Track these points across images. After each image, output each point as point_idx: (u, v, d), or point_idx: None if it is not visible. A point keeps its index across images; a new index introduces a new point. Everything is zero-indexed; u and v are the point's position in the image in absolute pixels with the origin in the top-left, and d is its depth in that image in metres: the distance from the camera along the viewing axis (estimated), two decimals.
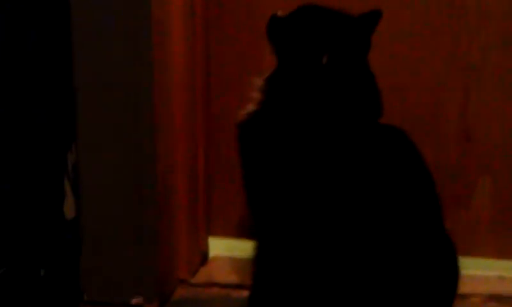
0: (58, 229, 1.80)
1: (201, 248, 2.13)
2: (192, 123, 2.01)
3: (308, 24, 1.56)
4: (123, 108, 1.78)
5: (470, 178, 2.00)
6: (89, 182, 1.82)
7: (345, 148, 1.50)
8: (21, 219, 1.74)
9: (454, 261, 1.57)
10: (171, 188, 1.90)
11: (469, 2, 1.92)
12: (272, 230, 1.55)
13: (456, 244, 1.58)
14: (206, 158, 2.11)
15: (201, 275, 2.07)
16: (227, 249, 2.15)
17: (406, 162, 1.54)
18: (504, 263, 2.03)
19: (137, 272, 1.85)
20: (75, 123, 1.78)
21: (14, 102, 1.70)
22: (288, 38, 1.57)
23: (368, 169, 1.49)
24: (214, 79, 2.08)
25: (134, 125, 1.78)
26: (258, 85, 1.60)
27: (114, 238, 1.84)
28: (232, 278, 2.03)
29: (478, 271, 2.00)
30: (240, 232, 2.11)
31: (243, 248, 1.89)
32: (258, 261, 1.59)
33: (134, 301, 1.86)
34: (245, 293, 1.68)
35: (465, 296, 1.83)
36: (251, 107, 1.59)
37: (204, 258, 2.14)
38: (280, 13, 1.62)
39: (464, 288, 1.61)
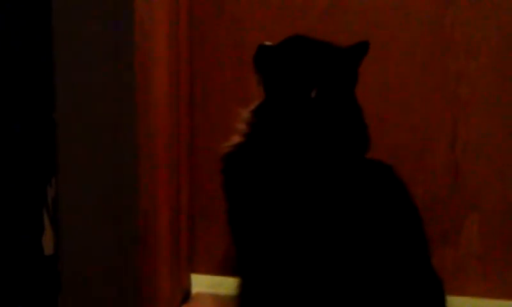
0: (36, 264, 1.78)
1: (184, 285, 2.10)
2: (176, 158, 1.99)
3: (297, 56, 1.55)
4: (104, 143, 1.76)
5: (458, 215, 1.99)
6: (68, 218, 1.80)
7: (332, 185, 1.49)
8: None
9: (442, 300, 1.55)
10: (153, 225, 1.88)
11: (457, 36, 1.93)
12: (256, 266, 1.53)
13: (444, 283, 1.56)
14: (189, 193, 2.09)
15: None
16: (210, 286, 2.12)
17: (392, 198, 1.52)
18: (493, 303, 2.00)
19: None
20: (55, 156, 1.76)
21: None
22: (276, 68, 1.57)
23: (354, 206, 1.47)
24: (198, 112, 2.07)
25: (115, 160, 1.76)
26: (244, 117, 1.59)
27: (94, 275, 1.81)
28: None
29: None
30: (223, 269, 2.10)
31: (226, 285, 1.87)
32: (242, 299, 1.57)
33: None
34: None
35: None
36: (236, 139, 1.58)
37: (186, 295, 2.11)
38: (267, 42, 1.61)
39: None
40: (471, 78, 1.93)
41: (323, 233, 1.45)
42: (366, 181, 1.52)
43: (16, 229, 1.74)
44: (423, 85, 1.96)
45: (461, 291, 1.97)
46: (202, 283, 2.13)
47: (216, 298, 2.07)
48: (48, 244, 1.79)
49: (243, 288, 1.56)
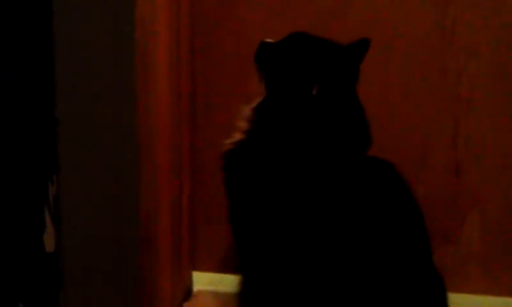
0: (38, 261, 1.77)
1: (185, 283, 2.10)
2: (177, 157, 1.99)
3: (299, 53, 1.55)
4: (105, 141, 1.76)
5: (459, 212, 1.99)
6: (70, 216, 1.80)
7: (333, 182, 1.49)
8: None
9: (443, 298, 1.55)
10: (154, 223, 1.88)
11: (458, 36, 1.93)
12: (257, 264, 1.53)
13: (445, 280, 1.56)
14: (191, 192, 2.09)
15: None
16: (211, 284, 2.13)
17: (394, 196, 1.52)
18: (493, 300, 2.01)
19: None
20: (56, 153, 1.76)
21: None
22: (278, 65, 1.56)
23: (356, 204, 1.47)
24: (199, 111, 2.07)
25: (117, 158, 1.76)
26: (245, 114, 1.59)
27: (95, 272, 1.80)
28: None
29: None
30: (224, 266, 2.10)
31: (228, 282, 1.87)
32: (243, 296, 1.57)
33: None
34: None
35: None
36: (237, 136, 1.58)
37: (188, 292, 2.12)
38: (269, 40, 1.61)
39: None
40: (471, 77, 1.93)
41: (325, 230, 1.45)
42: (368, 178, 1.52)
43: (17, 226, 1.73)
44: (424, 84, 1.96)
45: (462, 289, 1.97)
46: (203, 281, 2.14)
47: (217, 295, 2.07)
48: (49, 241, 1.79)
49: (244, 286, 1.56)
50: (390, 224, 1.48)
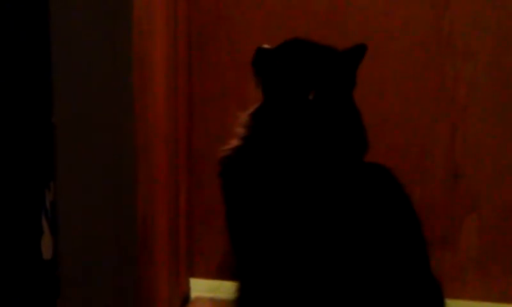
0: (35, 268, 1.77)
1: (183, 289, 2.10)
2: (175, 162, 1.99)
3: (295, 59, 1.55)
4: (102, 147, 1.75)
5: (457, 217, 1.99)
6: (67, 223, 1.79)
7: (330, 188, 1.49)
8: None
9: (441, 304, 1.54)
10: (151, 229, 1.87)
11: (455, 40, 1.93)
12: (254, 270, 1.53)
13: (443, 286, 1.56)
14: (188, 198, 2.09)
15: None
16: (209, 290, 2.12)
17: (391, 201, 1.52)
18: (492, 306, 2.00)
19: None
20: (53, 159, 1.75)
21: None
22: (274, 71, 1.56)
23: (353, 210, 1.47)
24: (196, 115, 2.07)
25: (114, 163, 1.76)
26: (242, 120, 1.59)
27: (92, 280, 1.80)
28: None
29: None
30: (222, 273, 2.10)
31: (225, 289, 1.86)
32: (241, 303, 1.56)
33: None
34: None
35: None
36: (234, 142, 1.58)
37: (186, 299, 2.11)
38: (266, 45, 1.61)
39: None
40: (469, 81, 1.93)
41: (321, 236, 1.44)
42: (364, 184, 1.51)
43: (14, 233, 1.73)
44: (421, 88, 1.96)
45: (460, 295, 1.97)
46: (201, 287, 2.13)
47: (215, 302, 2.07)
48: (46, 248, 1.78)
49: (241, 292, 1.55)
50: (387, 230, 1.47)
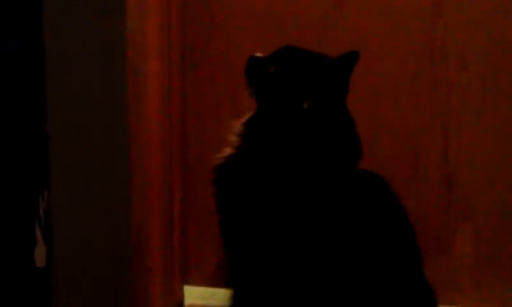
0: (28, 277, 1.76)
1: (177, 297, 2.10)
2: (169, 172, 1.99)
3: (289, 67, 1.55)
4: (96, 156, 1.75)
5: (451, 225, 1.99)
6: (60, 232, 1.79)
7: (324, 197, 1.49)
8: None
9: None
10: (145, 238, 1.87)
11: (448, 47, 1.93)
12: (248, 278, 1.52)
13: (437, 293, 1.55)
14: (182, 206, 2.09)
15: None
16: (203, 298, 2.12)
17: (384, 209, 1.52)
18: None
19: None
20: (47, 167, 1.75)
21: None
22: (268, 80, 1.56)
23: (346, 218, 1.47)
24: (190, 125, 2.07)
25: (108, 173, 1.75)
26: (236, 129, 1.59)
27: (86, 288, 1.80)
28: None
29: None
30: (216, 281, 2.09)
31: (219, 297, 1.87)
32: None
33: None
34: None
35: None
36: (228, 151, 1.58)
37: (179, 306, 2.11)
38: (258, 54, 1.61)
39: None
40: (462, 88, 1.93)
41: (315, 244, 1.44)
42: (358, 192, 1.51)
43: (8, 242, 1.72)
44: (414, 95, 1.96)
45: (454, 301, 1.97)
46: (195, 295, 2.13)
47: None
48: (40, 256, 1.78)
49: (235, 300, 1.55)
50: (380, 238, 1.47)
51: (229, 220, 1.56)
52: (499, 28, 1.90)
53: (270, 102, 1.56)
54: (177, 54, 2.00)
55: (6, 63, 1.67)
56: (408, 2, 1.94)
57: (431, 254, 1.85)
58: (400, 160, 1.98)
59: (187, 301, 2.14)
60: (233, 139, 1.59)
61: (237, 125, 1.60)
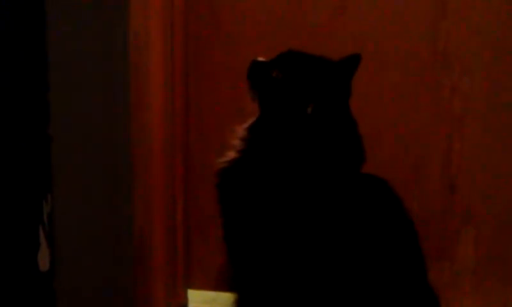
0: (32, 280, 1.76)
1: (180, 300, 2.10)
2: (171, 175, 1.99)
3: (291, 71, 1.55)
4: (99, 160, 1.76)
5: (453, 229, 1.99)
6: (64, 236, 1.79)
7: (327, 200, 1.49)
8: None
9: None
10: (148, 241, 1.87)
11: (451, 51, 1.93)
12: (251, 281, 1.52)
13: (440, 297, 1.55)
14: (185, 210, 2.09)
15: None
16: (206, 302, 2.12)
17: (388, 213, 1.52)
18: None
19: None
20: (50, 171, 1.75)
21: None
22: (270, 84, 1.56)
23: (350, 222, 1.47)
24: (193, 129, 2.07)
25: (111, 176, 1.76)
26: (239, 133, 1.59)
27: (89, 292, 1.80)
28: None
29: None
30: (219, 284, 2.09)
31: (223, 300, 1.87)
32: None
33: None
34: None
35: None
36: (231, 155, 1.58)
37: None
38: (261, 58, 1.61)
39: None
40: (465, 93, 1.93)
41: (319, 248, 1.45)
42: (361, 196, 1.51)
43: (12, 245, 1.73)
44: (417, 100, 1.96)
45: (457, 306, 1.97)
46: (198, 299, 2.13)
47: None
48: (43, 260, 1.78)
49: (238, 304, 1.55)
50: (384, 242, 1.47)
51: (232, 223, 1.56)
52: (502, 32, 1.90)
53: (273, 106, 1.56)
54: (180, 57, 2.00)
55: (9, 67, 1.68)
56: (411, 6, 1.94)
57: (433, 258, 1.86)
58: (403, 164, 1.98)
59: (190, 305, 2.13)
60: (236, 143, 1.59)
61: (241, 130, 1.60)
